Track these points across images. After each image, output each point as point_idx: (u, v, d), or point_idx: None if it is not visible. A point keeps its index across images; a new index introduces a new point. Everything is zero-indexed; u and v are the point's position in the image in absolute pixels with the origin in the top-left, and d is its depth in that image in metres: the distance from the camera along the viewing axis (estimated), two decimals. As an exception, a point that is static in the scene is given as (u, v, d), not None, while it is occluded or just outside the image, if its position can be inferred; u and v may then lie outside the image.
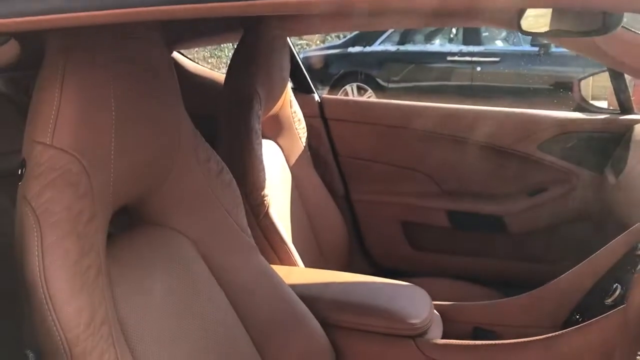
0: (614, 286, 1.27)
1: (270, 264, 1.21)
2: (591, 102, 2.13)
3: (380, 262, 2.12)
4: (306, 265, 1.57)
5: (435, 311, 1.33)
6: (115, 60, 0.81)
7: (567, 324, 1.37)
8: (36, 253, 0.69)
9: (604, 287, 1.31)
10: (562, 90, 4.70)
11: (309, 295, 1.23)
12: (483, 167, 2.00)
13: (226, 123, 1.50)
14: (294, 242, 1.55)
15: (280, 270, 1.23)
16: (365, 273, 2.11)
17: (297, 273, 1.39)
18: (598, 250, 1.42)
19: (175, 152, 0.97)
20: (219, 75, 2.16)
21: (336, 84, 6.20)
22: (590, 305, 1.31)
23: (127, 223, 1.01)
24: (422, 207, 2.04)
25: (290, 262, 1.48)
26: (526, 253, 1.97)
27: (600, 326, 1.11)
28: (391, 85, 6.19)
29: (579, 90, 2.06)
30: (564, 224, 1.92)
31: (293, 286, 1.22)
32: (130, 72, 0.84)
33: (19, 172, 0.76)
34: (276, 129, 1.77)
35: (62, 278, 0.70)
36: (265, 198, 1.46)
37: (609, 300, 1.24)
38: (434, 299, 1.37)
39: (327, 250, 1.85)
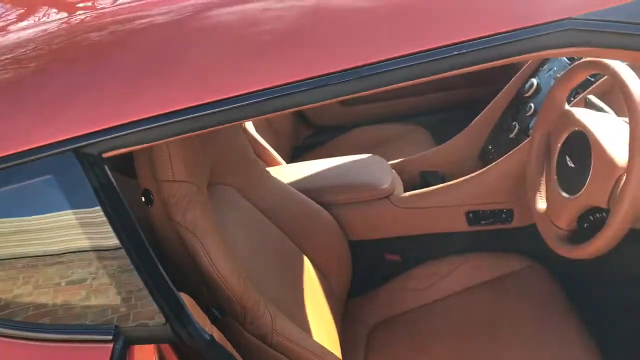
0: (513, 124, 1.75)
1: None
2: None
3: (316, 123, 2.47)
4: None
5: (393, 170, 1.74)
6: None
7: (483, 151, 1.86)
8: (204, 255, 1.01)
9: (505, 124, 1.79)
10: None
11: (306, 189, 1.59)
12: None
13: None
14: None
15: (273, 172, 1.55)
16: (308, 135, 2.48)
17: (286, 170, 1.72)
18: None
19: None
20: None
21: None
22: (498, 139, 1.79)
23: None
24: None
25: (275, 163, 1.82)
26: (445, 84, 2.34)
27: (515, 156, 1.50)
28: None
29: None
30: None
31: (291, 184, 1.58)
32: None
33: (144, 200, 1.03)
34: None
35: (223, 262, 1.02)
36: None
37: (512, 135, 1.73)
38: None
39: (278, 127, 2.20)
